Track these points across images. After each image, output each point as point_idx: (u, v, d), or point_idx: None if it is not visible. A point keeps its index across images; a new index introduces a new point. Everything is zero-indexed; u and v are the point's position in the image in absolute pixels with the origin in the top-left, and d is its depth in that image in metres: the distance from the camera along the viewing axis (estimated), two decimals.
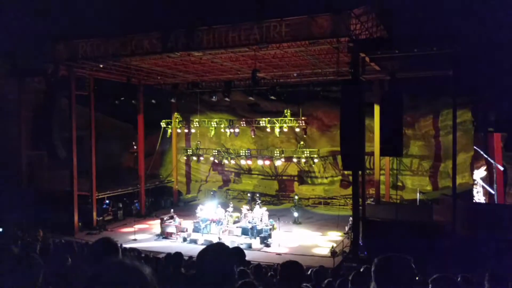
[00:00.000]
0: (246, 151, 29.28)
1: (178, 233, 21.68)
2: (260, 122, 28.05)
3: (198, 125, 30.16)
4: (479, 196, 25.33)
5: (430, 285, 3.82)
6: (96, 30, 21.41)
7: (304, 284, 4.94)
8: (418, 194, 25.28)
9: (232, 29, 18.27)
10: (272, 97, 24.79)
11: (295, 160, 28.43)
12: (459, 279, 6.23)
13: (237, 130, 28.64)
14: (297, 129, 27.35)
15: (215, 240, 19.77)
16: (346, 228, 21.63)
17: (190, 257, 13.11)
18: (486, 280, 4.25)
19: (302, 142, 29.05)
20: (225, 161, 30.29)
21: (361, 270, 5.17)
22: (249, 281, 3.36)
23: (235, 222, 23.07)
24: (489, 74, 19.92)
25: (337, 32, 16.67)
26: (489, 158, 24.30)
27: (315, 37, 17.16)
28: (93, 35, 21.50)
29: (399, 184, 28.26)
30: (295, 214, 25.19)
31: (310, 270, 10.74)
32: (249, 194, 30.36)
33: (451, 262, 13.36)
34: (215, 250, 2.65)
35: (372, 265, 2.58)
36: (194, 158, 30.71)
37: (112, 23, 21.28)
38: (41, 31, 22.49)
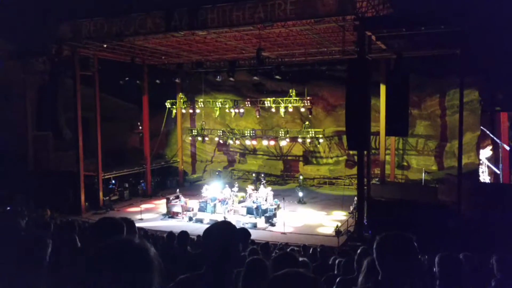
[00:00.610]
0: (251, 131, 29.22)
1: (184, 213, 21.86)
2: (265, 102, 27.93)
3: (203, 106, 30.09)
4: (484, 176, 25.27)
5: (436, 263, 3.82)
6: (99, 9, 21.22)
7: (301, 259, 4.96)
8: (423, 174, 25.26)
9: (236, 7, 18.02)
10: (277, 77, 24.60)
11: (300, 140, 28.38)
12: (461, 257, 6.25)
13: (242, 110, 28.57)
14: (302, 109, 27.23)
15: (220, 219, 19.92)
16: (351, 208, 21.71)
17: (199, 236, 13.21)
18: (493, 260, 4.25)
19: (307, 122, 28.94)
20: (230, 142, 30.30)
21: (359, 251, 5.15)
22: (258, 258, 3.38)
23: (240, 202, 23.20)
24: (497, 53, 19.62)
25: (343, 10, 16.40)
26: (495, 138, 24.14)
27: (320, 15, 16.90)
28: (96, 15, 21.32)
29: (405, 164, 28.22)
30: (300, 194, 25.28)
31: (311, 248, 10.85)
32: (254, 174, 30.47)
33: (456, 242, 13.40)
34: (219, 228, 2.65)
35: (373, 243, 2.60)
36: (199, 138, 30.72)
37: (116, 2, 21.08)
38: (44, 10, 22.31)
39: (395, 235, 2.58)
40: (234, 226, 2.69)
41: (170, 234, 8.04)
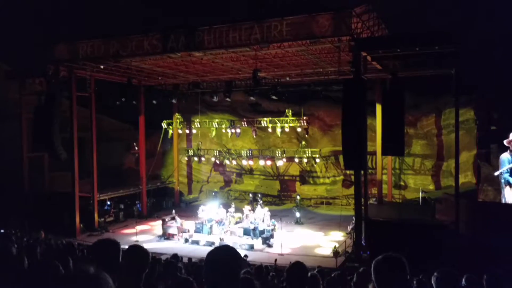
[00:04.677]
0: (248, 151, 29.19)
1: (180, 234, 21.63)
2: (262, 122, 27.97)
3: (199, 126, 30.08)
4: None
5: (434, 278, 3.81)
6: (96, 31, 21.37)
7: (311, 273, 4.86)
8: (420, 193, 25.15)
9: (232, 29, 18.19)
10: (274, 97, 24.67)
11: (296, 160, 28.35)
12: (463, 279, 6.16)
13: (238, 130, 28.56)
14: (299, 129, 27.26)
15: (216, 241, 19.70)
16: (349, 228, 21.53)
17: (190, 259, 13.00)
18: (484, 280, 4.22)
19: (303, 142, 28.97)
20: (227, 162, 30.22)
21: (360, 271, 5.09)
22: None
23: (237, 223, 22.98)
24: (492, 72, 19.79)
25: (338, 31, 16.58)
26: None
27: (316, 36, 17.07)
28: (93, 36, 21.47)
29: (402, 183, 28.16)
30: (297, 214, 25.11)
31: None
32: (250, 195, 30.29)
33: (454, 262, 13.26)
34: (224, 252, 2.57)
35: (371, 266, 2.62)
36: (196, 158, 30.65)
37: (113, 24, 21.26)
38: (41, 32, 22.45)
39: (390, 258, 2.60)
40: (237, 252, 2.60)
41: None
